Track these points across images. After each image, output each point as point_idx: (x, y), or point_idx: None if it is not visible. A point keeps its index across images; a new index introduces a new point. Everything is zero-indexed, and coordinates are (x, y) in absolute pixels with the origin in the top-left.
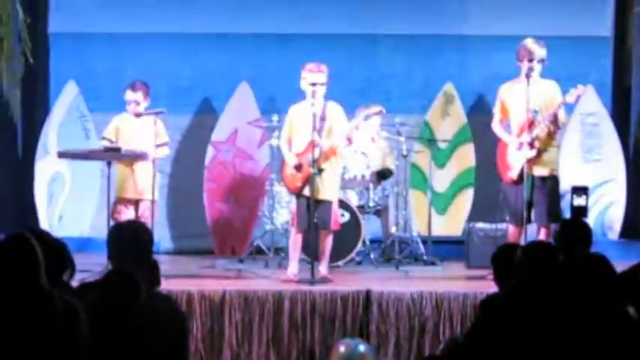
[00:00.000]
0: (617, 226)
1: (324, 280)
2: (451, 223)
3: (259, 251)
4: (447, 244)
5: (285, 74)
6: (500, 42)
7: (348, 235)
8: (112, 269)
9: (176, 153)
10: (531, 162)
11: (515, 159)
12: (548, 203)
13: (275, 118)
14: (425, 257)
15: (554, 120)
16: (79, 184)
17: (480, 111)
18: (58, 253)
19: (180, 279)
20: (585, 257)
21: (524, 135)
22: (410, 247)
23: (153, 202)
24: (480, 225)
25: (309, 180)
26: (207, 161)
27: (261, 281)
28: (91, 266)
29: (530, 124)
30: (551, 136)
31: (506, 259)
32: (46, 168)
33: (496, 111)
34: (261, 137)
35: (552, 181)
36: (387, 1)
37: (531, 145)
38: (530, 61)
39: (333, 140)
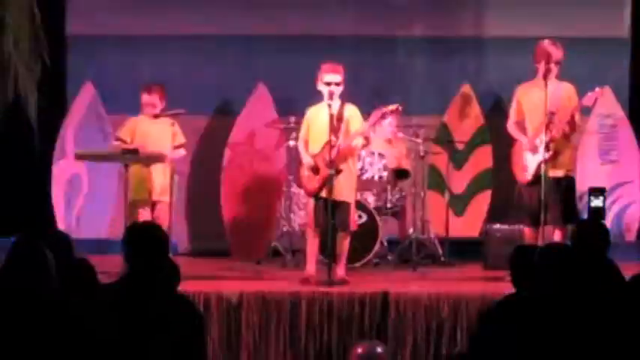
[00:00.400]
0: (635, 227)
1: (342, 282)
2: (469, 225)
3: (276, 253)
4: (465, 245)
5: (303, 76)
6: (518, 43)
7: (365, 236)
8: (129, 271)
9: (193, 155)
10: (547, 163)
11: (530, 160)
12: (563, 204)
13: (292, 119)
14: (442, 258)
15: (571, 121)
16: (96, 185)
17: (497, 112)
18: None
19: (198, 280)
20: (603, 260)
21: (540, 136)
22: (427, 248)
23: (170, 203)
24: (498, 226)
25: (326, 181)
26: (224, 163)
27: (279, 283)
28: (109, 268)
29: (547, 126)
30: (566, 137)
31: (523, 261)
32: (64, 170)
33: (512, 112)
34: (278, 139)
35: (567, 182)
36: (405, 3)
37: (547, 146)
38: (548, 62)
39: (350, 140)
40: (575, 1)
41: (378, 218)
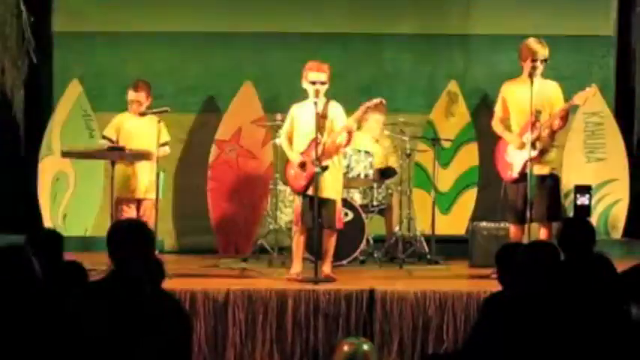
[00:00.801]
0: (621, 225)
1: (328, 279)
2: (455, 222)
3: (263, 250)
4: (451, 243)
5: (289, 73)
6: (504, 41)
7: (351, 234)
8: (115, 268)
9: (180, 152)
10: (532, 161)
11: (515, 158)
12: (548, 202)
13: (279, 117)
14: (428, 256)
15: (565, 116)
16: (82, 183)
17: (484, 110)
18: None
19: (184, 278)
20: (589, 257)
21: (526, 134)
22: (413, 246)
23: (156, 201)
24: (484, 224)
25: (312, 179)
26: (210, 160)
27: (265, 280)
28: (95, 265)
29: (533, 124)
30: (552, 136)
31: (509, 258)
32: (50, 167)
33: (497, 109)
34: (264, 136)
35: (552, 180)
36: (392, 1)
37: (533, 144)
38: (533, 60)
39: (335, 136)
40: None
41: (364, 216)
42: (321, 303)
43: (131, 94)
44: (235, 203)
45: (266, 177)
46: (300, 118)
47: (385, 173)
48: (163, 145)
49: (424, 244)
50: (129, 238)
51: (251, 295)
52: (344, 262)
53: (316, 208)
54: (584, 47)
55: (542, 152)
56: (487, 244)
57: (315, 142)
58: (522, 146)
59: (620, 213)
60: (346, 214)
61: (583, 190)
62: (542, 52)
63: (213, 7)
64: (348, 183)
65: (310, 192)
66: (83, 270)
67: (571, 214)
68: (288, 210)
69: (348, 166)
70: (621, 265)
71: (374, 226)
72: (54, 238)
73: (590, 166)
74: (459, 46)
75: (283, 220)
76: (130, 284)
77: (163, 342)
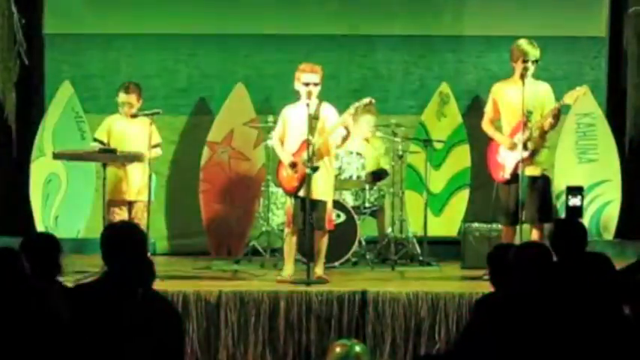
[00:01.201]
0: (613, 225)
1: (320, 281)
2: (447, 224)
3: (255, 252)
4: (443, 244)
5: (281, 75)
6: (496, 42)
7: (343, 235)
8: (106, 270)
9: (172, 154)
10: (524, 162)
11: (507, 159)
12: (539, 203)
13: (271, 118)
14: (421, 258)
15: (557, 115)
16: (74, 185)
17: (475, 111)
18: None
19: (176, 280)
20: (588, 256)
21: (517, 135)
22: (406, 247)
23: (148, 202)
24: (476, 225)
25: (304, 180)
26: (202, 162)
27: (257, 282)
28: (87, 267)
29: (525, 125)
30: (543, 137)
31: (501, 260)
32: (42, 169)
33: (488, 110)
34: (256, 138)
35: (543, 181)
36: (383, 3)
37: (525, 145)
38: (525, 61)
39: (326, 135)
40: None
41: (356, 217)
42: (313, 304)
43: (122, 97)
44: (227, 205)
45: (258, 179)
46: (292, 120)
47: (377, 175)
48: (155, 146)
49: (416, 245)
50: (122, 241)
51: (243, 296)
52: (336, 263)
53: (308, 209)
54: (576, 48)
55: (534, 153)
56: (479, 246)
57: (307, 143)
58: (513, 147)
59: (612, 214)
60: (338, 216)
61: (575, 191)
62: (534, 52)
63: (205, 8)
64: (340, 184)
65: (302, 193)
66: (56, 242)
67: (563, 215)
68: (280, 212)
69: (339, 168)
70: None
71: (366, 228)
72: (50, 243)
73: (581, 167)
74: (451, 48)
75: (275, 222)
76: (122, 286)
77: (155, 343)
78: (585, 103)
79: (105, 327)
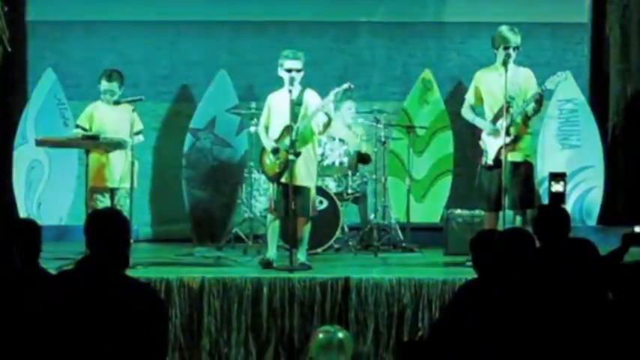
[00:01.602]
0: (595, 212)
1: (303, 267)
2: (429, 210)
3: (238, 239)
4: (426, 230)
5: (264, 62)
6: (478, 29)
7: (326, 222)
8: (82, 257)
9: (155, 141)
10: (506, 148)
11: (489, 144)
12: (521, 189)
13: (253, 105)
14: (403, 244)
15: (540, 100)
16: (57, 172)
17: (458, 98)
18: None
19: (159, 266)
20: (571, 242)
21: (500, 121)
22: (388, 234)
23: (131, 189)
24: (458, 212)
25: (287, 166)
26: (185, 149)
27: (240, 268)
28: (70, 254)
29: (507, 111)
30: (525, 123)
31: (483, 245)
32: (25, 156)
33: (469, 96)
34: (239, 125)
35: (526, 167)
36: None
37: (507, 131)
38: (506, 48)
39: (308, 121)
40: None
41: (339, 204)
42: (296, 291)
43: (104, 85)
44: (210, 192)
45: (241, 165)
46: (276, 106)
47: (362, 159)
48: (137, 133)
49: (399, 232)
50: (105, 227)
51: (226, 283)
52: (319, 250)
53: (291, 195)
54: (558, 34)
55: (516, 139)
56: (462, 232)
57: (289, 129)
58: (495, 133)
59: (595, 200)
60: (321, 202)
61: (557, 177)
62: (515, 39)
63: None
64: (323, 171)
65: (285, 180)
66: (37, 228)
67: (546, 201)
68: (262, 198)
69: (322, 154)
70: None
71: (349, 214)
72: (32, 228)
73: (564, 153)
74: (433, 34)
75: (258, 209)
76: (103, 272)
77: (138, 330)
78: (568, 90)
79: (86, 313)
